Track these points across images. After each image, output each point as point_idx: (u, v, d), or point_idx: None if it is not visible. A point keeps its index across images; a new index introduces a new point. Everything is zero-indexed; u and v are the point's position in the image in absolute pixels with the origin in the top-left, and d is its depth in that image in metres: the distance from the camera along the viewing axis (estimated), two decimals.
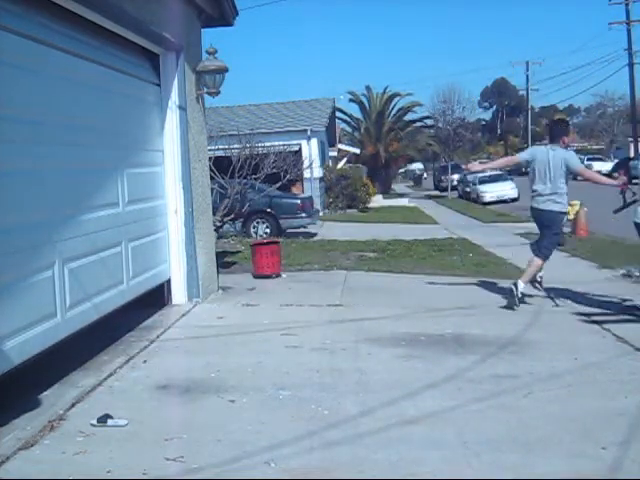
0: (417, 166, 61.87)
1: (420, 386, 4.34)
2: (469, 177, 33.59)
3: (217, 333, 5.78)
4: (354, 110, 41.93)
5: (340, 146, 34.07)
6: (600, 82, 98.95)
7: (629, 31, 35.78)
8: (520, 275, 6.75)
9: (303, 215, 15.20)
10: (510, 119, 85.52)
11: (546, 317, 6.26)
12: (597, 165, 42.94)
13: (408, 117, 40.46)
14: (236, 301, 7.26)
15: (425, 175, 60.52)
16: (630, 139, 46.00)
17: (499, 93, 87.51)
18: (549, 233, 6.65)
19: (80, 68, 5.05)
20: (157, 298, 6.72)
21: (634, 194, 6.29)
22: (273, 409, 4.01)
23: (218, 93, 7.44)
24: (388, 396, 4.16)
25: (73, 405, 4.07)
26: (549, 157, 6.53)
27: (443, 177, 38.41)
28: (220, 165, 13.06)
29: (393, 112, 40.16)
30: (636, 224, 6.09)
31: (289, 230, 15.10)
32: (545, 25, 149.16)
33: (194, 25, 7.55)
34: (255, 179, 14.07)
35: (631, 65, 35.50)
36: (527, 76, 67.50)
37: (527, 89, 68.52)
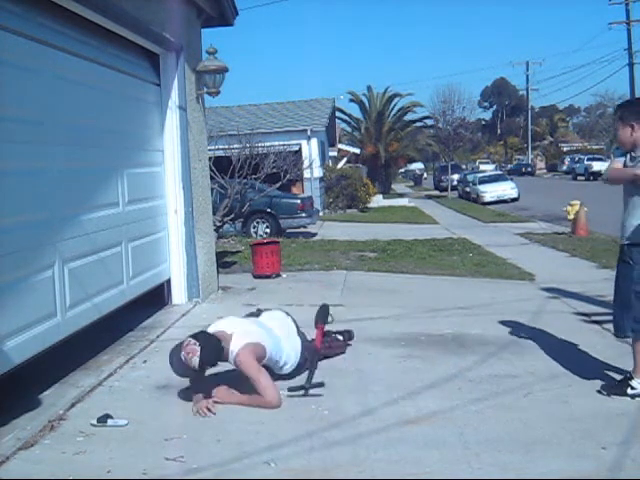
0: (417, 166, 61.88)
1: (420, 386, 4.34)
2: (469, 177, 33.61)
3: None
4: (354, 110, 41.98)
5: (340, 146, 34.06)
6: (600, 82, 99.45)
7: (629, 31, 35.78)
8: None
9: (303, 215, 15.19)
10: (510, 119, 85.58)
11: (546, 317, 6.25)
12: (597, 165, 43.03)
13: (408, 117, 40.44)
14: (236, 301, 7.25)
15: (425, 175, 60.52)
16: None
17: (499, 93, 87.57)
18: None
19: (80, 68, 5.04)
20: (157, 298, 6.72)
21: None
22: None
23: (218, 93, 7.44)
24: (388, 396, 4.16)
25: (73, 405, 4.07)
26: None
27: (443, 177, 38.39)
28: (220, 165, 13.07)
29: (393, 112, 40.14)
30: None
31: (289, 230, 15.10)
32: (545, 25, 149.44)
33: (194, 25, 7.55)
34: (255, 179, 14.08)
35: (631, 65, 35.49)
36: (527, 76, 67.77)
37: (527, 89, 68.69)
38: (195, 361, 3.93)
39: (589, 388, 4.24)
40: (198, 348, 3.94)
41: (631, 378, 4.06)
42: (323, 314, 4.81)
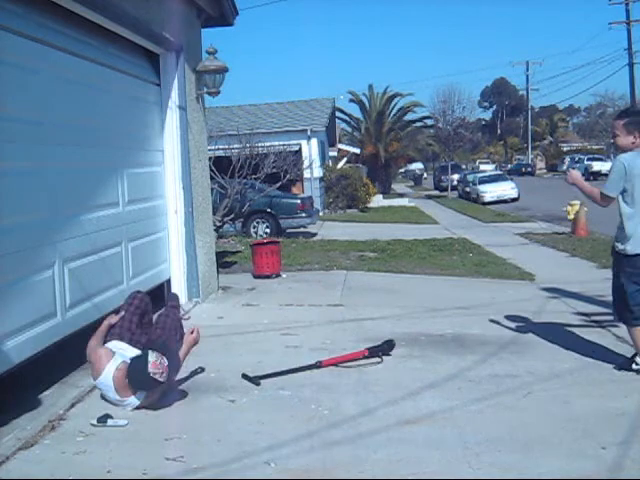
0: (417, 166, 61.80)
1: (420, 386, 4.35)
2: (469, 177, 33.61)
3: (217, 333, 5.77)
4: (354, 110, 41.93)
5: (340, 146, 34.04)
6: (600, 82, 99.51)
7: (629, 31, 35.83)
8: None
9: (303, 215, 15.19)
10: (510, 119, 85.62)
11: (546, 317, 6.25)
12: (597, 165, 43.03)
13: (408, 117, 40.40)
14: (236, 301, 7.26)
15: (425, 175, 60.52)
16: None
17: (499, 93, 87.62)
18: None
19: (80, 68, 5.04)
20: (157, 298, 6.69)
21: None
22: (273, 409, 4.01)
23: (218, 93, 7.44)
24: (388, 396, 4.16)
25: (73, 405, 4.07)
26: None
27: (443, 177, 38.41)
28: (220, 165, 13.07)
29: (393, 112, 40.11)
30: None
31: (289, 230, 15.10)
32: (545, 25, 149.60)
33: (194, 25, 7.55)
34: (255, 179, 14.08)
35: (631, 65, 35.53)
36: (527, 76, 67.70)
37: (527, 89, 68.64)
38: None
39: (589, 388, 4.24)
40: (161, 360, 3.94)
41: (636, 355, 4.51)
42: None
